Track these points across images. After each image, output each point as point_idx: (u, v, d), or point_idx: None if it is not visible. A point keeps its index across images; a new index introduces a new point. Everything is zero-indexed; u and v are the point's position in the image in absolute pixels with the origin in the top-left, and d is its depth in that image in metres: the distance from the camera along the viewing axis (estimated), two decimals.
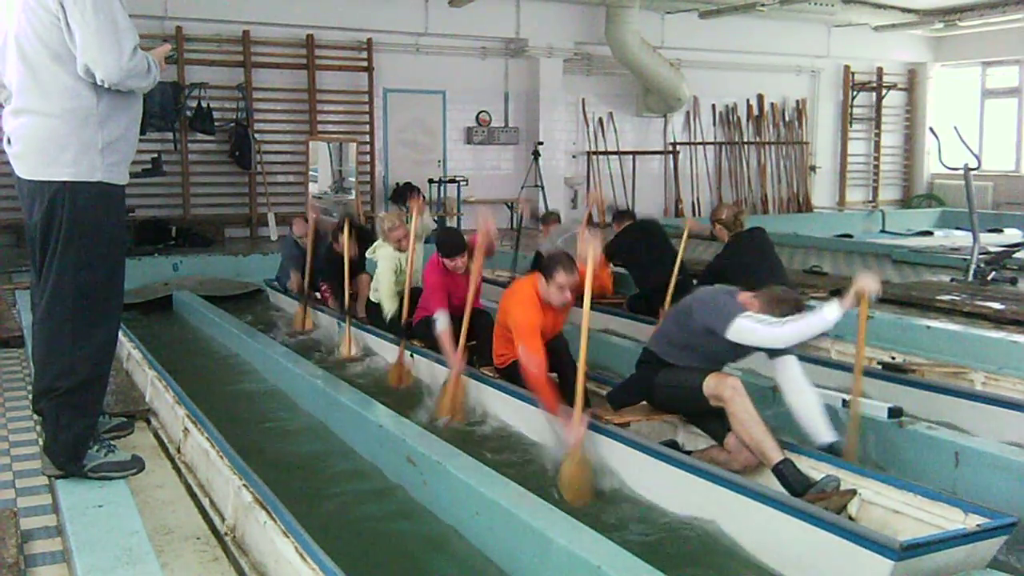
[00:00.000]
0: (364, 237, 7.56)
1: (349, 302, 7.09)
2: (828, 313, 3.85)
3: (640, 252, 7.50)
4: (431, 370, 5.86)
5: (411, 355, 6.14)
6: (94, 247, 3.22)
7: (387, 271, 6.64)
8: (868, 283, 3.96)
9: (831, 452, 4.01)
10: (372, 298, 6.93)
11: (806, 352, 5.68)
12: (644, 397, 4.51)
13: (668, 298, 6.75)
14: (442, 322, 5.60)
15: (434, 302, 5.76)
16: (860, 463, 4.02)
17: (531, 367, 4.56)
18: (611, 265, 7.90)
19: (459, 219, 12.55)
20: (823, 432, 4.06)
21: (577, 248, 7.63)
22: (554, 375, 4.99)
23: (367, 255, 7.07)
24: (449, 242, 5.95)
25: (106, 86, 3.13)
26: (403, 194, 12.54)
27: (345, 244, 7.20)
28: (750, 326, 3.96)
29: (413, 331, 6.19)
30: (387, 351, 6.51)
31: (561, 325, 5.07)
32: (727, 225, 6.86)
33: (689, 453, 4.23)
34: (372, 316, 6.89)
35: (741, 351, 4.24)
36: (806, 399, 4.13)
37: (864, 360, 5.68)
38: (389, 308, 6.56)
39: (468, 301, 5.56)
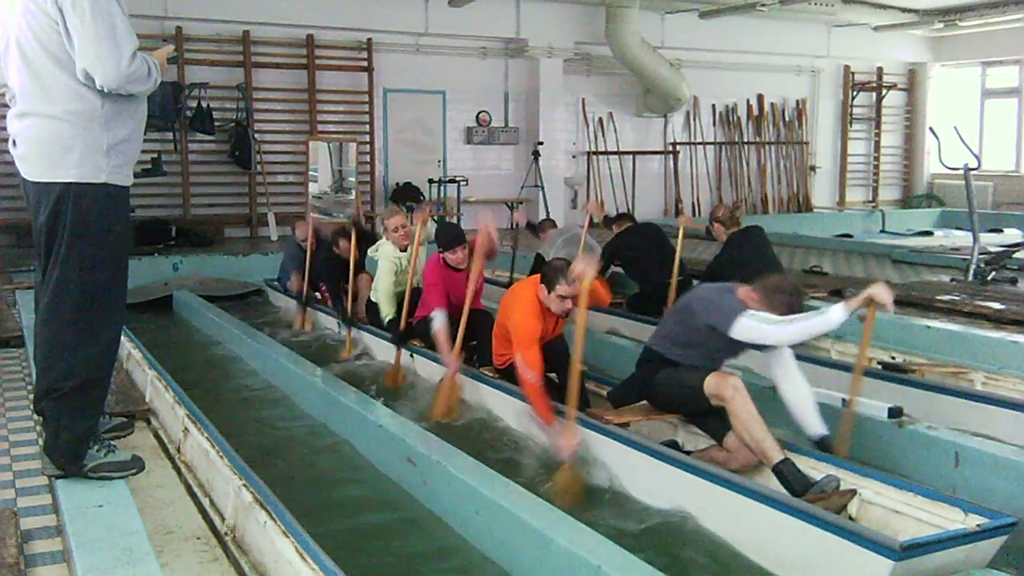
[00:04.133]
0: (366, 240, 7.58)
1: (350, 305, 7.10)
2: (833, 315, 3.83)
3: (640, 252, 7.51)
4: (431, 370, 5.86)
5: (411, 355, 6.14)
6: (98, 248, 3.22)
7: (387, 272, 6.63)
8: (882, 293, 3.89)
9: (821, 447, 4.02)
10: (372, 298, 6.92)
11: (806, 352, 5.70)
12: (645, 396, 4.51)
13: (671, 298, 6.76)
14: (439, 320, 5.60)
15: (433, 300, 5.75)
16: (860, 463, 4.01)
17: (527, 377, 4.58)
18: (608, 270, 7.89)
19: (459, 219, 12.54)
20: (815, 425, 4.08)
21: (580, 248, 7.67)
22: (553, 375, 4.99)
23: (369, 253, 7.06)
24: (448, 235, 5.95)
25: (106, 91, 3.13)
26: (404, 194, 12.60)
27: (352, 249, 7.20)
28: (756, 326, 3.94)
29: (413, 330, 6.19)
30: (387, 352, 6.51)
31: (562, 328, 5.08)
32: (724, 223, 6.87)
33: (689, 453, 4.23)
34: (372, 316, 6.89)
35: (742, 347, 4.24)
36: (799, 391, 4.14)
37: (864, 361, 5.69)
38: (387, 311, 6.55)
39: (467, 300, 5.55)
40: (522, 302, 4.84)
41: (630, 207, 13.89)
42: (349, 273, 7.23)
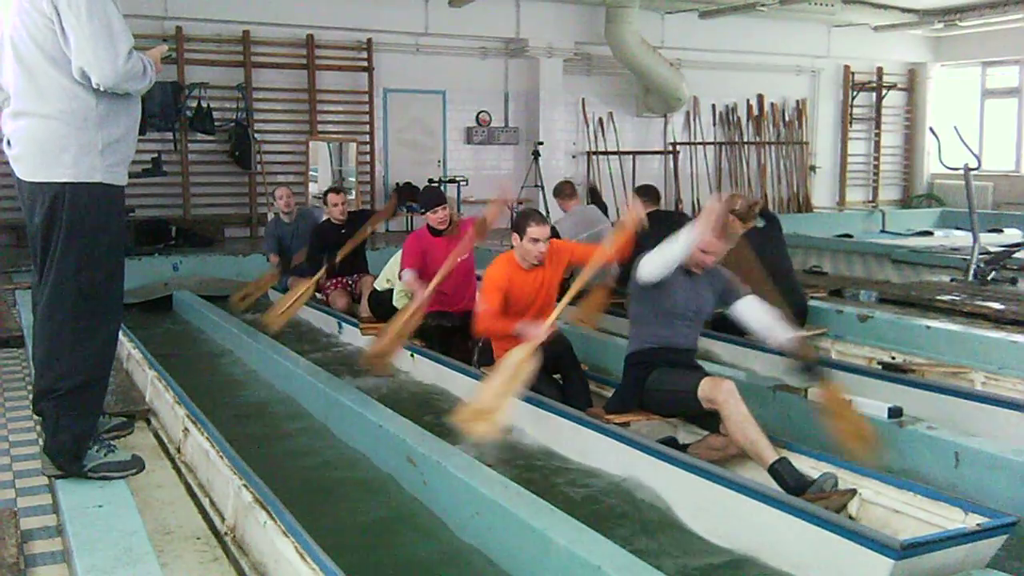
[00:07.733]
0: (406, 197, 7.74)
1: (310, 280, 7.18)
2: (683, 235, 4.23)
3: (650, 245, 7.21)
4: (432, 370, 5.86)
5: (412, 355, 6.13)
6: (95, 248, 3.22)
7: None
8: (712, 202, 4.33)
9: (789, 354, 4.34)
10: (377, 286, 6.86)
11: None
12: (638, 402, 4.48)
13: None
14: (409, 274, 5.73)
15: (406, 264, 5.83)
16: (858, 462, 4.01)
17: (482, 323, 4.74)
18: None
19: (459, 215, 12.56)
20: (779, 332, 4.33)
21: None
22: (557, 376, 4.98)
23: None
24: (429, 196, 6.01)
25: (102, 89, 3.13)
26: (404, 194, 12.58)
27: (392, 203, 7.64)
28: (645, 258, 4.34)
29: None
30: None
31: (552, 298, 4.95)
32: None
33: (687, 445, 4.24)
34: (375, 308, 6.84)
35: (684, 304, 4.41)
36: (758, 316, 4.43)
37: (865, 361, 5.73)
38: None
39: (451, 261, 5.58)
40: (495, 261, 4.95)
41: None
42: (343, 239, 7.30)
